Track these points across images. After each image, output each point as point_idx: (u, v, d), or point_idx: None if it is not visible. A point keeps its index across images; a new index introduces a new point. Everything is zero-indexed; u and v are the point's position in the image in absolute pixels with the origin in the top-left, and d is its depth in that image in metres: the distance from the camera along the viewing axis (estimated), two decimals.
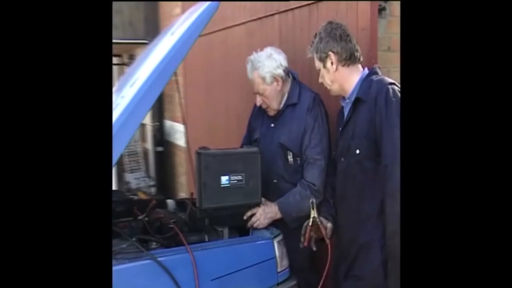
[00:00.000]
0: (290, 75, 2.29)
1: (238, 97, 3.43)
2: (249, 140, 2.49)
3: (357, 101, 1.85)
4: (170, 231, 1.98)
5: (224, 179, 1.98)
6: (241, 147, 2.54)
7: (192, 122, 4.10)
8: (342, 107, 2.00)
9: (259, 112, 2.43)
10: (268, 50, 2.27)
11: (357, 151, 1.81)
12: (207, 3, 1.84)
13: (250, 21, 3.16)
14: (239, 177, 2.01)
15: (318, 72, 1.99)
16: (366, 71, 1.93)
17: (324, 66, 1.92)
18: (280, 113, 2.27)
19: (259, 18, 3.05)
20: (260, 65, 2.21)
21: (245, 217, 2.09)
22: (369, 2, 2.15)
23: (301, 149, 2.19)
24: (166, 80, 1.74)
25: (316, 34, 1.95)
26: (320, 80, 1.99)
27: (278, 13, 2.83)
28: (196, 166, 1.98)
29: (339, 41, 1.87)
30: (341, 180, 1.93)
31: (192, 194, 2.16)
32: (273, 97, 2.23)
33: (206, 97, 4.09)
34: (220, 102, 3.74)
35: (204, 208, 1.96)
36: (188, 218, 2.09)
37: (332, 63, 1.89)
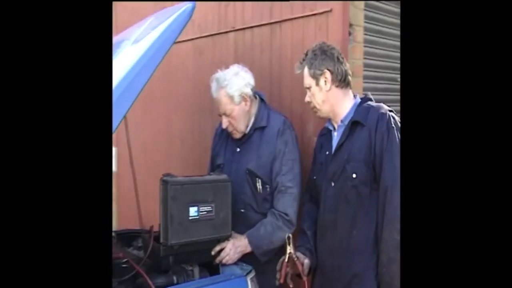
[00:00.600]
0: (257, 96, 2.14)
1: (183, 118, 3.19)
2: (211, 166, 2.28)
3: (354, 125, 1.78)
4: (126, 272, 1.69)
5: (192, 211, 1.75)
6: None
7: (123, 145, 3.75)
8: (330, 131, 1.92)
9: (221, 136, 2.23)
10: (235, 68, 2.10)
11: (354, 175, 1.74)
12: (184, 5, 1.63)
13: (199, 37, 2.97)
14: (209, 208, 1.79)
15: (304, 90, 1.89)
16: (358, 97, 1.90)
17: (317, 84, 1.83)
18: (247, 137, 2.10)
19: (211, 35, 2.88)
20: (228, 83, 2.03)
21: (213, 253, 1.86)
22: (341, 24, 2.10)
23: (270, 176, 2.03)
24: (138, 91, 1.48)
25: (307, 52, 1.87)
26: (308, 99, 1.89)
27: (234, 30, 2.69)
28: (161, 196, 1.72)
29: (336, 61, 1.81)
30: (331, 206, 1.82)
31: (151, 227, 1.88)
32: (240, 118, 2.06)
33: (142, 118, 3.77)
34: (160, 124, 3.46)
35: (172, 244, 1.70)
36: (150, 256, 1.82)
37: (326, 81, 1.82)
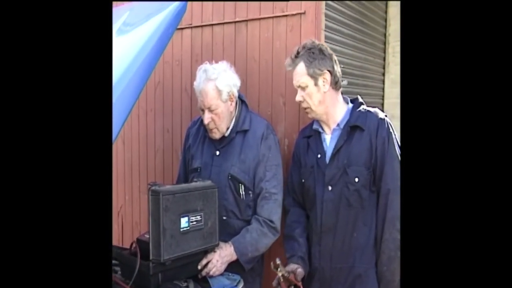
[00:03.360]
0: (239, 99, 2.04)
1: (129, 118, 2.95)
2: (184, 170, 2.13)
3: (353, 129, 1.78)
4: None
5: (183, 221, 1.62)
6: (178, 179, 2.16)
7: None
8: (318, 133, 1.88)
9: (197, 137, 2.09)
10: (224, 64, 1.98)
11: (356, 180, 1.74)
12: (174, 3, 1.51)
13: None
14: (198, 218, 1.68)
15: (295, 90, 1.84)
16: (349, 101, 1.90)
17: (316, 84, 1.78)
18: (227, 140, 1.99)
19: None
20: (218, 76, 1.90)
21: (199, 266, 1.75)
22: (314, 23, 2.10)
23: (253, 182, 1.95)
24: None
25: (299, 49, 1.80)
26: (300, 98, 1.82)
27: (190, 27, 2.55)
28: (152, 208, 1.56)
29: (334, 63, 1.78)
30: (330, 210, 1.80)
31: (133, 243, 1.70)
32: (224, 117, 1.94)
33: None
34: None
35: (164, 261, 1.55)
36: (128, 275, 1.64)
37: (324, 82, 1.78)
